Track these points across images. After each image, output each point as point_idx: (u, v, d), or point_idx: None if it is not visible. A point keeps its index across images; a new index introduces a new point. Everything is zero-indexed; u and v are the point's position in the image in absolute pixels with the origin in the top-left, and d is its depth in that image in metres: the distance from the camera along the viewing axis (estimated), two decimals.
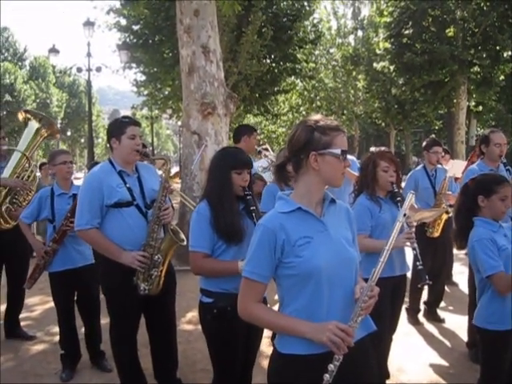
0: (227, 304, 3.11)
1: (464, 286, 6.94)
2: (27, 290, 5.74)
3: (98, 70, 22.58)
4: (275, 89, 23.40)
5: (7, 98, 43.93)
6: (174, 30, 12.30)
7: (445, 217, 5.95)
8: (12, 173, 5.45)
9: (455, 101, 24.92)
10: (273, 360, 2.37)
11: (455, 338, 5.70)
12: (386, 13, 27.64)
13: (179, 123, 29.52)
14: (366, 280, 2.31)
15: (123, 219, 3.87)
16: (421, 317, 6.32)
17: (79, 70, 22.57)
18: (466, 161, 7.46)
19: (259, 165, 6.35)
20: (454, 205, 4.17)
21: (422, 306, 6.41)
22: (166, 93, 23.72)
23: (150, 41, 20.94)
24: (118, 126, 4.01)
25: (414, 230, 4.04)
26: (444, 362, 5.10)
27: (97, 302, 4.98)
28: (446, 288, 6.72)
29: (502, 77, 24.63)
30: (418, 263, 4.06)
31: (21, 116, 5.69)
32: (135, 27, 21.21)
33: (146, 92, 24.79)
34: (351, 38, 34.78)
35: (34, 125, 5.54)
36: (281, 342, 2.31)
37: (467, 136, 26.96)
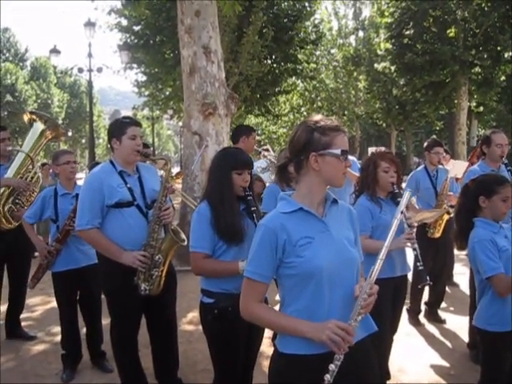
0: (228, 304, 3.12)
1: (465, 287, 6.93)
2: (28, 290, 5.76)
3: (99, 70, 22.59)
4: (276, 89, 23.42)
5: (8, 98, 43.98)
6: (175, 31, 12.31)
7: (446, 217, 5.94)
8: (15, 173, 5.45)
9: (456, 101, 24.94)
10: (274, 360, 2.37)
11: (456, 338, 5.70)
12: (386, 13, 27.65)
13: (180, 124, 29.56)
14: None
15: (124, 219, 3.87)
16: (422, 317, 6.31)
17: (80, 70, 22.59)
18: (467, 161, 7.44)
19: (258, 165, 6.35)
20: (454, 205, 4.17)
21: (423, 307, 6.40)
22: (167, 93, 23.75)
23: (151, 41, 20.97)
24: (119, 127, 4.02)
25: (414, 230, 4.04)
26: (445, 363, 5.09)
27: (99, 302, 4.98)
28: (446, 289, 6.72)
29: (503, 77, 24.65)
30: (418, 264, 4.05)
31: (26, 117, 5.70)
32: (136, 28, 21.24)
33: (147, 92, 24.81)
34: (352, 39, 34.80)
35: (39, 126, 5.53)
36: (282, 342, 2.31)
37: (468, 137, 26.96)
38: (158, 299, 3.93)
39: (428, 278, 4.05)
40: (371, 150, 5.80)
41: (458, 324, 5.94)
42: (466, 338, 5.37)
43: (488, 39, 23.52)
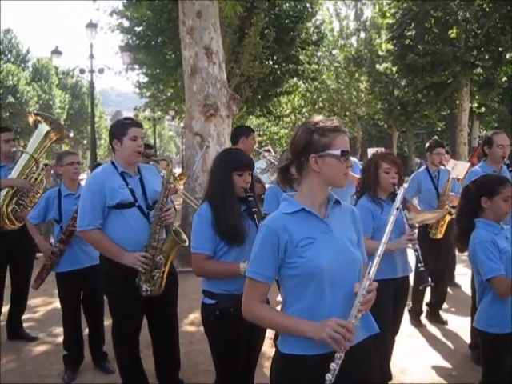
0: (230, 305, 3.12)
1: (467, 288, 6.92)
2: (30, 291, 5.77)
3: (101, 71, 22.66)
4: (278, 90, 23.44)
5: (10, 99, 44.03)
6: (176, 32, 12.31)
7: (448, 218, 5.93)
8: (19, 174, 5.45)
9: (458, 102, 24.94)
10: (275, 361, 2.38)
11: (458, 339, 5.69)
12: (388, 14, 27.66)
13: (182, 124, 29.58)
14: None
15: (125, 220, 3.87)
16: (423, 318, 6.31)
17: (82, 71, 22.65)
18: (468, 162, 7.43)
19: (257, 166, 6.34)
20: (456, 206, 4.16)
21: (425, 308, 6.40)
22: (169, 94, 23.77)
23: (153, 42, 20.98)
24: (120, 128, 4.02)
25: (416, 231, 4.04)
26: (447, 364, 5.09)
27: (102, 302, 4.98)
28: (448, 290, 6.71)
29: (504, 78, 24.64)
30: (419, 265, 4.05)
31: (31, 118, 5.70)
32: (138, 29, 21.27)
33: (148, 93, 24.84)
34: (354, 40, 34.80)
35: (44, 128, 5.53)
36: (283, 342, 2.32)
37: (470, 137, 26.95)
38: (159, 300, 3.93)
39: (430, 279, 4.05)
40: (370, 150, 5.78)
41: (460, 325, 5.93)
42: (467, 338, 5.37)
43: (489, 40, 23.53)
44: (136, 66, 22.97)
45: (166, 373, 4.24)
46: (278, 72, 22.21)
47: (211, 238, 3.17)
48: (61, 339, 5.21)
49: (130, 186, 3.93)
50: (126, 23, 21.40)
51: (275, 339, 2.65)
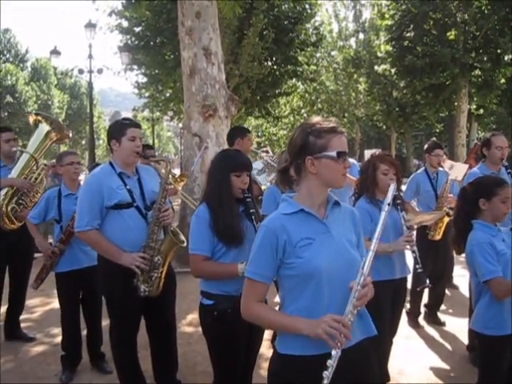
0: (228, 306, 3.12)
1: (464, 289, 6.94)
2: (28, 291, 5.77)
3: (100, 71, 22.61)
4: (276, 91, 23.44)
5: (9, 99, 43.94)
6: (175, 32, 12.31)
7: (446, 220, 5.93)
8: (19, 174, 5.45)
9: (456, 104, 24.97)
10: (273, 361, 2.38)
11: (456, 341, 5.70)
12: (387, 16, 27.68)
13: (180, 125, 29.58)
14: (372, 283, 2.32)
15: (123, 221, 3.87)
16: (421, 320, 6.31)
17: (81, 71, 22.61)
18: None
19: (254, 167, 6.32)
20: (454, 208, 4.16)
21: (423, 309, 6.40)
22: (168, 95, 23.76)
23: (152, 43, 20.98)
24: (118, 128, 4.01)
25: (414, 232, 4.04)
26: (444, 365, 5.09)
27: (100, 303, 4.97)
28: (446, 291, 6.71)
29: (502, 80, 24.66)
30: (417, 266, 4.06)
31: (31, 118, 5.70)
32: (137, 29, 21.25)
33: (147, 94, 24.83)
34: (352, 41, 34.87)
35: (44, 127, 5.53)
36: (281, 342, 2.32)
37: (468, 139, 26.97)
38: (157, 301, 3.93)
39: (428, 280, 4.05)
40: (367, 152, 5.77)
41: (458, 326, 5.93)
42: (465, 340, 5.37)
43: (488, 42, 23.56)
44: (135, 67, 22.96)
45: (164, 373, 4.24)
46: (277, 73, 22.22)
47: (209, 239, 3.17)
48: (58, 340, 5.21)
49: (128, 187, 3.92)
50: (125, 23, 21.39)
51: (273, 340, 2.66)
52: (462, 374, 4.84)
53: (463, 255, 3.58)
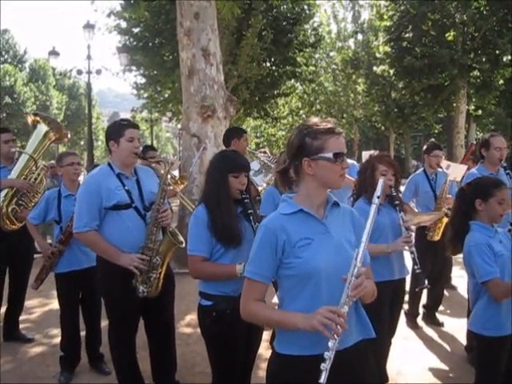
0: (226, 307, 3.13)
1: (462, 290, 6.94)
2: (27, 292, 5.76)
3: (98, 72, 22.61)
4: (275, 92, 23.42)
5: (7, 100, 43.89)
6: (174, 33, 12.31)
7: (445, 220, 5.92)
8: (19, 174, 5.46)
9: (455, 105, 24.99)
10: (271, 361, 2.39)
11: (454, 341, 5.70)
12: (385, 16, 27.71)
13: (179, 126, 29.49)
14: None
15: (122, 221, 3.87)
16: (420, 320, 6.31)
17: (79, 72, 22.61)
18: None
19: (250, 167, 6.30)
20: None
21: (421, 310, 6.40)
22: (166, 95, 23.72)
23: (150, 43, 20.95)
24: (117, 129, 4.01)
25: (412, 233, 4.04)
26: (443, 366, 5.09)
27: (100, 303, 4.97)
28: (444, 292, 6.71)
29: (501, 81, 24.69)
30: (415, 267, 4.06)
31: (30, 119, 5.71)
32: (135, 30, 21.22)
33: (145, 95, 24.80)
34: (351, 42, 34.91)
35: (42, 128, 5.54)
36: (279, 342, 2.33)
37: (467, 140, 26.98)
38: (156, 301, 3.93)
39: (426, 281, 4.05)
40: (365, 153, 5.76)
41: (456, 327, 5.94)
42: (463, 340, 5.37)
43: (487, 43, 23.57)
44: (133, 67, 22.92)
45: (163, 374, 4.24)
46: (276, 74, 22.20)
47: (207, 240, 3.17)
48: (57, 341, 5.21)
49: (126, 188, 3.92)
50: (124, 24, 21.36)
51: (271, 341, 2.65)
52: (460, 375, 4.85)
53: (461, 256, 3.58)
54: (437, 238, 6.04)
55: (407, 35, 26.32)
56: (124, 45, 21.74)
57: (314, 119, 2.33)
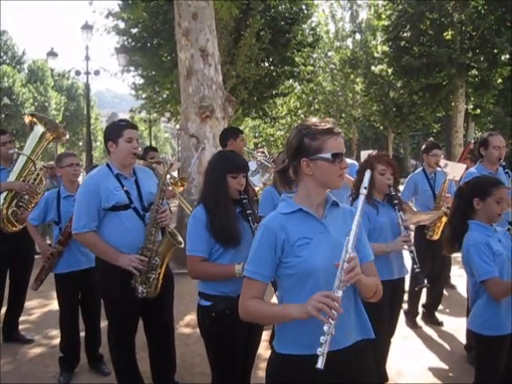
0: (225, 307, 3.13)
1: (462, 289, 6.94)
2: (27, 293, 5.76)
3: (97, 73, 22.60)
4: (273, 92, 23.41)
5: (6, 101, 43.86)
6: (172, 34, 12.32)
7: (444, 219, 5.92)
8: (18, 176, 5.47)
9: (453, 104, 24.97)
10: (271, 360, 2.40)
11: (454, 340, 5.70)
12: (383, 16, 27.65)
13: (177, 126, 29.51)
14: None
15: (121, 222, 3.87)
16: (419, 320, 6.31)
17: (78, 73, 22.60)
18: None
19: None
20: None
21: (421, 309, 6.40)
22: (165, 96, 23.70)
23: (149, 44, 20.93)
24: (115, 130, 4.01)
25: (411, 233, 4.04)
26: (443, 365, 5.10)
27: (99, 304, 4.97)
28: (443, 291, 6.71)
29: (499, 80, 24.66)
30: (415, 266, 4.06)
31: (27, 119, 5.72)
32: (133, 30, 21.19)
33: (144, 95, 24.78)
34: (349, 42, 34.84)
35: (39, 129, 5.54)
36: (279, 342, 2.33)
37: (465, 139, 26.98)
38: (155, 302, 3.93)
39: (426, 280, 4.05)
40: (364, 153, 5.75)
41: (455, 326, 5.94)
42: (463, 339, 5.38)
43: (485, 42, 23.56)
44: (132, 68, 22.88)
45: (162, 375, 4.24)
46: (274, 74, 22.18)
47: (206, 240, 3.18)
48: (57, 341, 5.21)
49: (125, 188, 3.92)
50: (122, 25, 21.32)
51: (271, 341, 2.66)
52: (460, 374, 4.85)
53: (461, 255, 3.58)
54: (436, 237, 6.03)
55: (405, 34, 26.28)
56: (122, 45, 21.71)
57: (313, 119, 2.33)
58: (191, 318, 6.27)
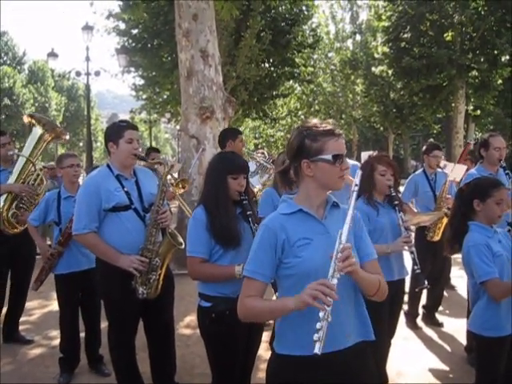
0: (225, 308, 3.12)
1: (462, 290, 6.94)
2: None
3: (97, 74, 22.59)
4: (274, 93, 23.41)
5: (6, 101, 43.88)
6: (172, 34, 12.32)
7: (445, 221, 5.92)
8: (18, 178, 5.47)
9: (453, 105, 25.00)
10: (271, 361, 2.40)
11: (454, 342, 5.70)
12: (384, 17, 27.68)
13: (178, 127, 29.51)
14: None
15: (121, 223, 3.87)
16: (419, 321, 6.31)
17: (78, 73, 22.59)
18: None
19: None
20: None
21: (421, 310, 6.40)
22: (165, 97, 23.72)
23: (149, 45, 20.94)
24: (116, 130, 4.01)
25: (412, 234, 4.03)
26: (443, 366, 5.09)
27: (99, 305, 4.97)
28: (444, 292, 6.71)
29: (499, 81, 24.68)
30: (415, 267, 4.05)
31: (26, 120, 5.72)
32: (134, 31, 21.20)
33: (144, 96, 24.78)
34: (349, 43, 34.92)
35: (37, 131, 5.54)
36: (279, 343, 2.33)
37: (465, 140, 26.98)
38: (155, 303, 3.93)
39: (426, 281, 4.05)
40: (364, 154, 5.75)
41: (456, 327, 5.94)
42: (463, 341, 5.37)
43: (485, 43, 23.58)
44: (132, 69, 22.89)
45: (162, 375, 4.23)
46: (274, 75, 22.19)
47: (206, 242, 3.18)
48: (57, 342, 5.20)
49: (125, 189, 3.92)
50: (123, 26, 21.34)
51: (271, 341, 2.66)
52: (460, 375, 4.85)
53: (461, 256, 3.58)
54: (437, 238, 6.03)
55: (405, 36, 26.31)
56: (123, 46, 21.71)
57: (314, 120, 2.33)
58: (191, 318, 6.27)
